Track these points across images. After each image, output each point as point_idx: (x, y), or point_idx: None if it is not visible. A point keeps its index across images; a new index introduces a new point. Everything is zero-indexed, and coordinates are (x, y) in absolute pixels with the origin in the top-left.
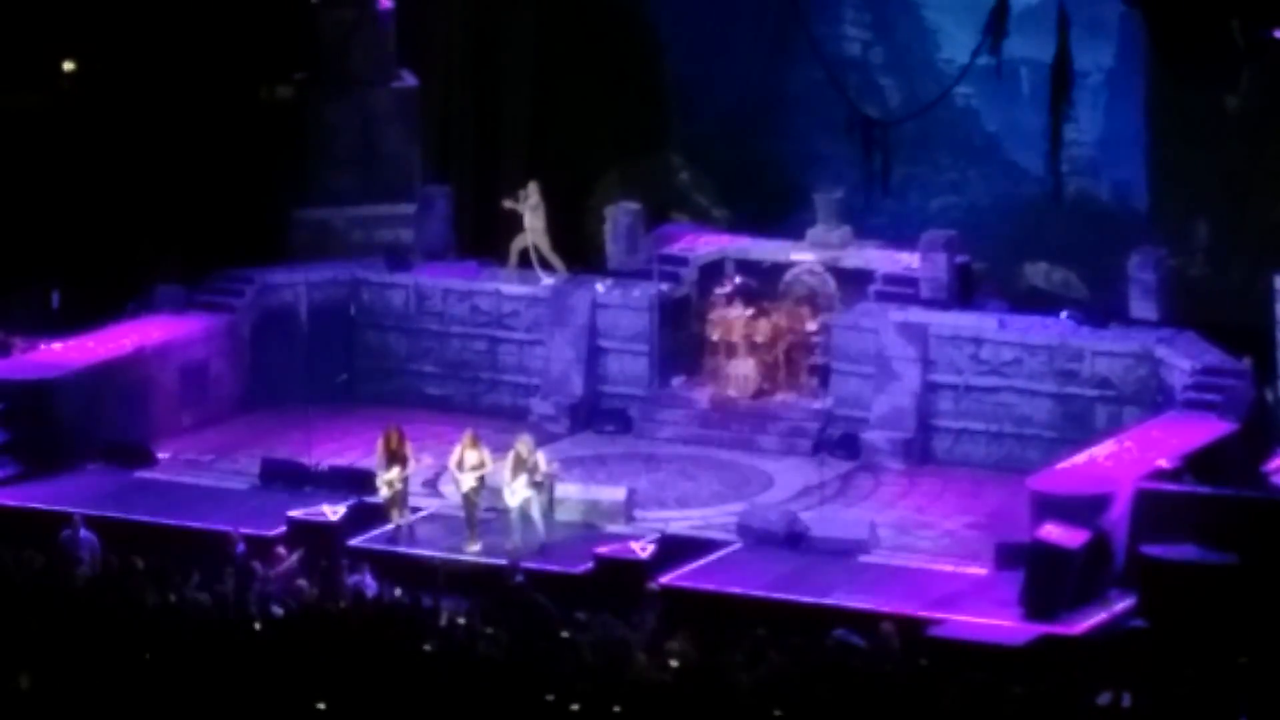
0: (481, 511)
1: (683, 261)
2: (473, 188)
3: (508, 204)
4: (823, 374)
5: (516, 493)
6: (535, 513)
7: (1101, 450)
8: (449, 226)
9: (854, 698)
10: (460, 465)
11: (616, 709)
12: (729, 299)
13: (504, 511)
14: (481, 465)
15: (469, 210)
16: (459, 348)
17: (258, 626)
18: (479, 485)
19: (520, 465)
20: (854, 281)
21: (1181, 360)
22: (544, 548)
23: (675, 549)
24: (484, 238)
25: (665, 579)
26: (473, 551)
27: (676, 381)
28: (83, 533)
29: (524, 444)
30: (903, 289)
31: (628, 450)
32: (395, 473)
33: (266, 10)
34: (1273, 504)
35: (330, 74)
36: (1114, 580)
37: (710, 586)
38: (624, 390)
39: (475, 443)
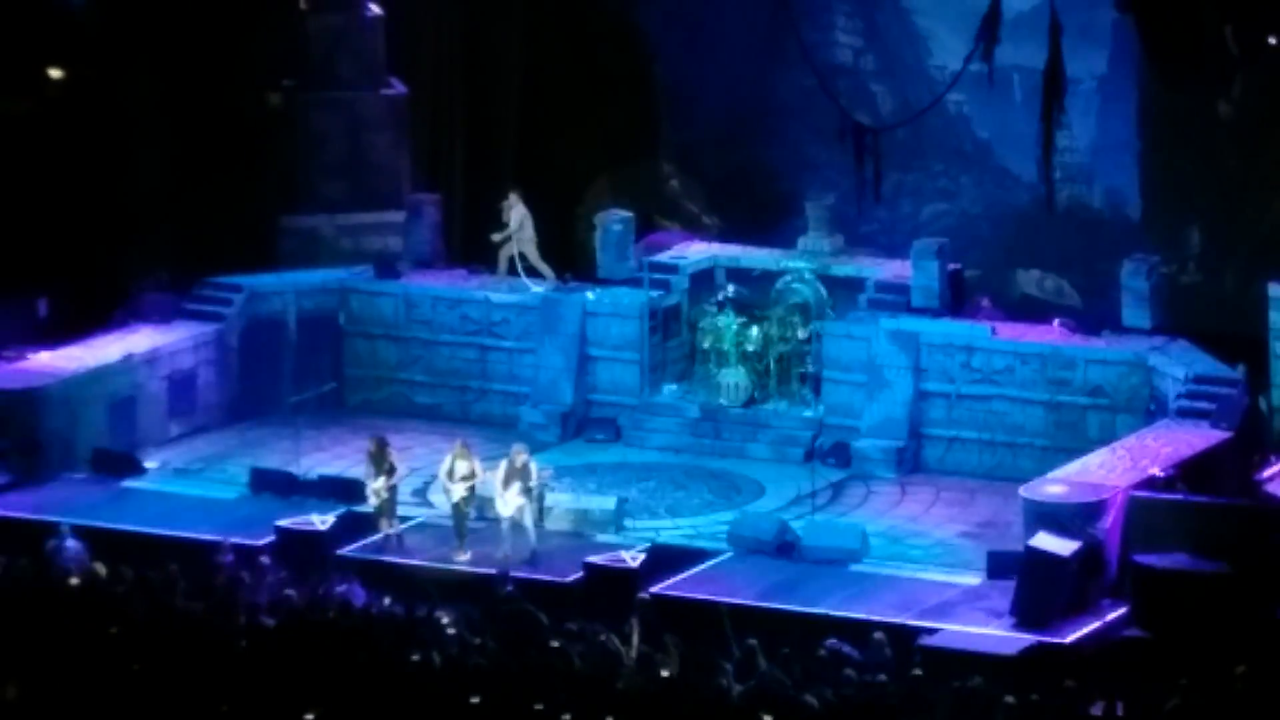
0: (471, 521)
1: (673, 269)
2: (462, 195)
3: (496, 238)
4: (814, 382)
5: (509, 502)
6: (527, 521)
7: (1094, 459)
8: (438, 234)
9: (846, 708)
10: (450, 475)
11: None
12: (720, 307)
13: (494, 521)
14: (471, 475)
15: (458, 218)
16: (448, 356)
17: (244, 637)
18: (469, 495)
19: (513, 474)
20: (845, 289)
21: (1174, 368)
22: (534, 556)
23: (666, 558)
24: (473, 246)
25: (656, 588)
26: (462, 561)
27: (667, 390)
28: (70, 542)
29: (518, 452)
30: (894, 297)
31: (618, 459)
32: (381, 481)
33: (255, 17)
34: (1266, 513)
35: (319, 81)
36: (1107, 589)
37: (701, 596)
38: (614, 399)
39: (465, 452)
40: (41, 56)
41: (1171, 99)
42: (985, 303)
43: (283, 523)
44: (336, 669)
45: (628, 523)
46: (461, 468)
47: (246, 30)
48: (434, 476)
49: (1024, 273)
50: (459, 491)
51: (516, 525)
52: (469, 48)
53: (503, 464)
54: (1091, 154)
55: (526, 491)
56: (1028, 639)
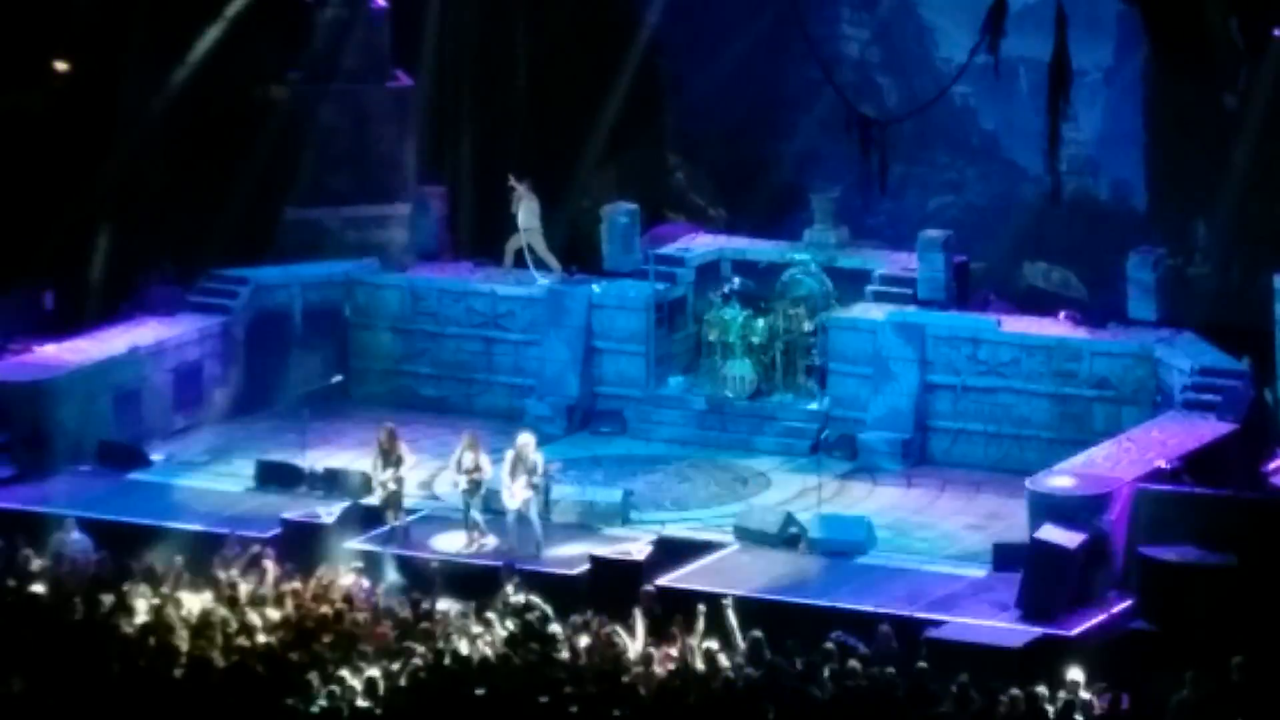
0: (478, 514)
1: (679, 262)
2: (467, 188)
3: (512, 183)
4: (820, 375)
5: (515, 494)
6: (532, 514)
7: (1100, 451)
8: (444, 227)
9: (852, 700)
10: (458, 466)
11: (616, 713)
12: (725, 299)
13: (500, 513)
14: (477, 469)
15: (464, 210)
16: (454, 348)
17: (248, 630)
18: (475, 488)
19: (520, 465)
20: (851, 281)
21: (1180, 360)
22: (540, 549)
23: (672, 551)
24: (479, 238)
25: (662, 581)
26: (468, 553)
27: (673, 382)
28: (76, 534)
29: (524, 443)
30: (900, 289)
31: (624, 451)
32: (389, 474)
33: (261, 9)
34: (1272, 505)
35: (324, 73)
36: (1113, 581)
37: (707, 588)
38: (620, 391)
39: (474, 445)
40: (47, 49)
41: (1177, 91)
42: (991, 298)
43: (288, 515)
44: (340, 662)
45: (634, 515)
46: (467, 460)
47: (252, 22)
48: (440, 469)
49: (1030, 265)
50: (464, 484)
51: (522, 517)
52: (475, 40)
53: (509, 455)
54: (1097, 146)
55: (532, 485)
56: (1033, 631)
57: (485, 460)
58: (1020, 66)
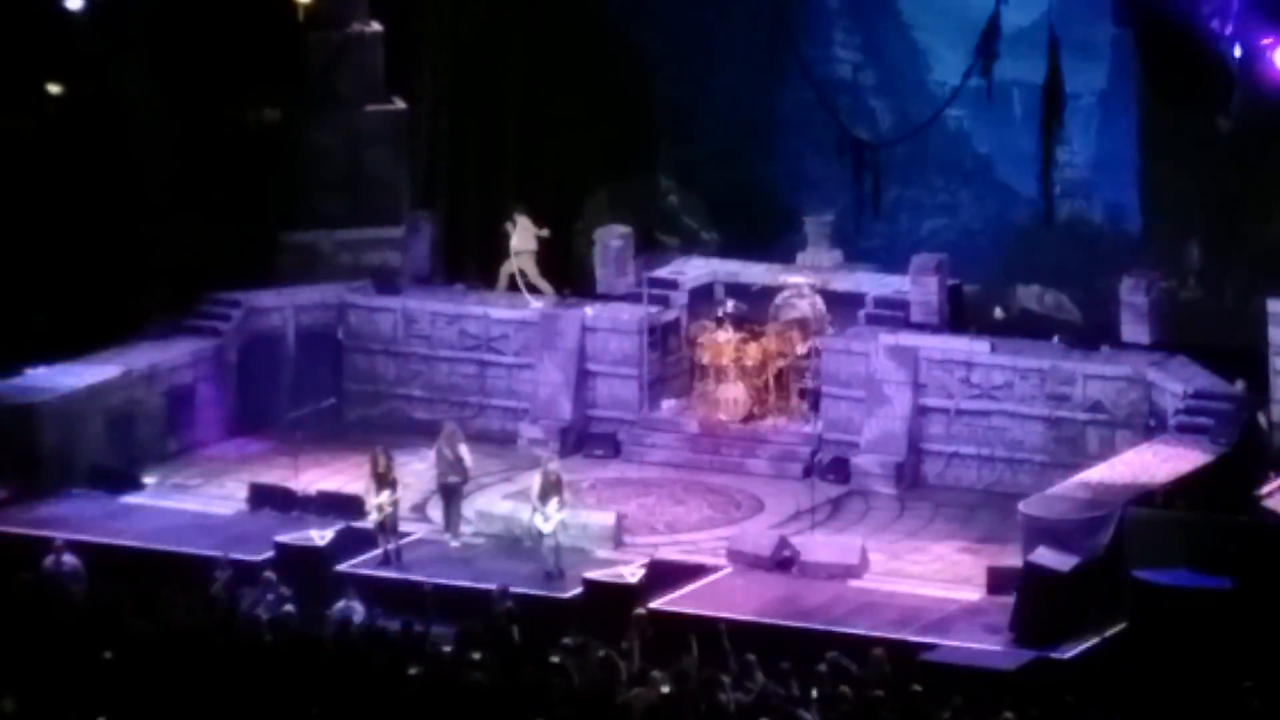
0: (467, 536)
1: (672, 285)
2: (461, 211)
3: (509, 226)
4: (813, 398)
5: (551, 517)
6: (559, 537)
7: (1093, 474)
8: (437, 250)
9: None
10: (440, 459)
11: None
12: (718, 322)
13: (497, 537)
14: (459, 461)
15: (457, 233)
16: (447, 371)
17: (243, 652)
18: (457, 485)
19: (550, 488)
20: (844, 305)
21: (1174, 384)
22: (561, 573)
23: (664, 574)
24: (472, 261)
25: (654, 604)
26: (455, 547)
27: (666, 405)
28: (67, 558)
29: (549, 461)
30: (893, 312)
31: (617, 474)
32: (384, 496)
33: (253, 32)
34: (1265, 529)
35: (318, 96)
36: (1106, 605)
37: (700, 611)
38: (613, 414)
39: (454, 437)
40: (40, 72)
41: (1170, 114)
42: (998, 313)
43: (282, 538)
44: (334, 686)
45: (626, 538)
46: (448, 452)
47: (245, 46)
48: (433, 491)
49: (1023, 288)
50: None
51: (554, 539)
52: (468, 63)
53: (537, 478)
54: (1091, 169)
55: (562, 506)
56: (1027, 655)
57: (466, 453)
58: (1014, 90)
